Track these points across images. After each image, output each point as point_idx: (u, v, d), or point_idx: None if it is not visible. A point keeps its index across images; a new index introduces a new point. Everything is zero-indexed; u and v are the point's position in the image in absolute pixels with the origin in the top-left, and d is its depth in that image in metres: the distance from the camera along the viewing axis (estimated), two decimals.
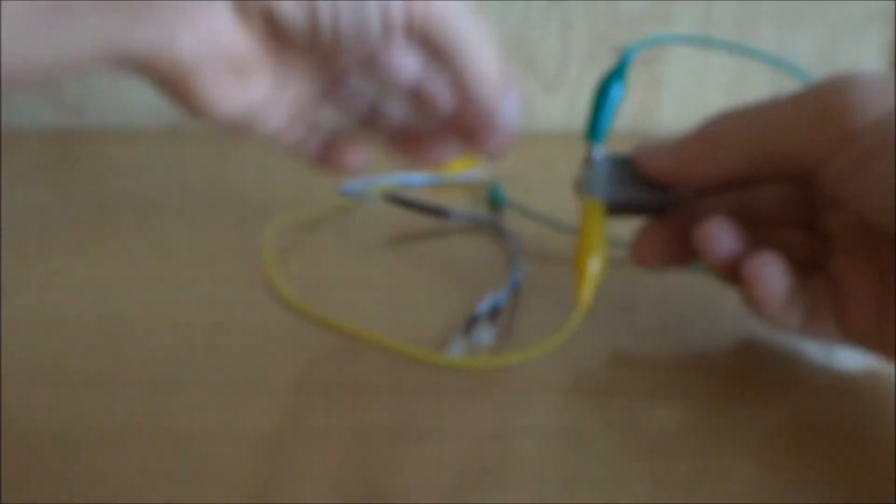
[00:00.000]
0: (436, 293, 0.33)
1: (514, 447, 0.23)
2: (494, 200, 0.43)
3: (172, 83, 0.22)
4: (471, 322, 0.29)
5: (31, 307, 0.32)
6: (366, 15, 0.22)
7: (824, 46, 0.60)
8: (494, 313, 0.30)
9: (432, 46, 0.24)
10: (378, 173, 0.45)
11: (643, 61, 0.60)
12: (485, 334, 0.28)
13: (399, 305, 0.32)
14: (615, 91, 0.28)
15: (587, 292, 0.27)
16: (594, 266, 0.27)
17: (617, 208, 0.28)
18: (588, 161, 0.28)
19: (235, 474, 0.22)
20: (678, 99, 0.60)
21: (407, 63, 0.27)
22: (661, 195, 0.28)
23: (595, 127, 0.28)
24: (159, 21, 0.21)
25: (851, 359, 0.28)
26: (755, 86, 0.60)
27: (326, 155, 0.29)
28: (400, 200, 0.40)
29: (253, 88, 0.24)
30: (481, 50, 0.24)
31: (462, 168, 0.48)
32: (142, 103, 0.61)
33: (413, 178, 0.46)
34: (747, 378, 0.27)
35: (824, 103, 0.23)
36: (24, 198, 0.45)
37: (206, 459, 0.23)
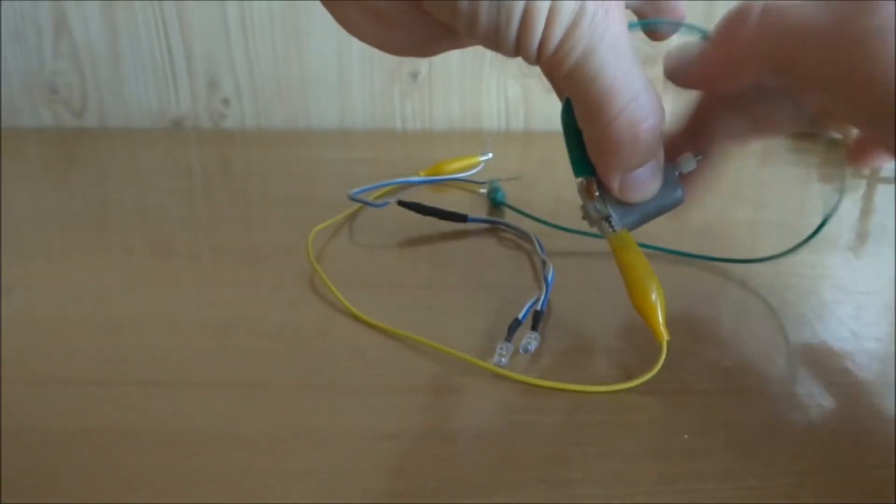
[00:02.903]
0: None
1: (515, 447, 0.23)
2: (494, 200, 0.43)
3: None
4: (512, 328, 0.29)
5: (31, 307, 0.32)
6: (504, 33, 0.21)
7: None
8: (535, 318, 0.29)
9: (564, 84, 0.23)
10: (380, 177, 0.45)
11: (644, 61, 0.60)
12: (531, 343, 0.28)
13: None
14: (573, 117, 0.25)
15: (662, 328, 0.26)
16: (657, 301, 0.26)
17: (639, 224, 0.27)
18: (590, 197, 0.26)
19: (235, 474, 0.22)
20: (678, 99, 0.60)
21: None
22: (673, 194, 0.26)
23: (573, 162, 0.26)
24: None
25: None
26: None
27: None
28: (415, 207, 0.39)
29: (387, 34, 0.24)
30: (611, 108, 0.23)
31: (462, 168, 0.48)
32: (142, 103, 0.61)
33: (413, 178, 0.47)
34: (747, 377, 0.27)
35: (853, 56, 0.21)
36: (25, 198, 0.45)
37: (207, 459, 0.23)
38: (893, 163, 0.47)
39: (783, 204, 0.44)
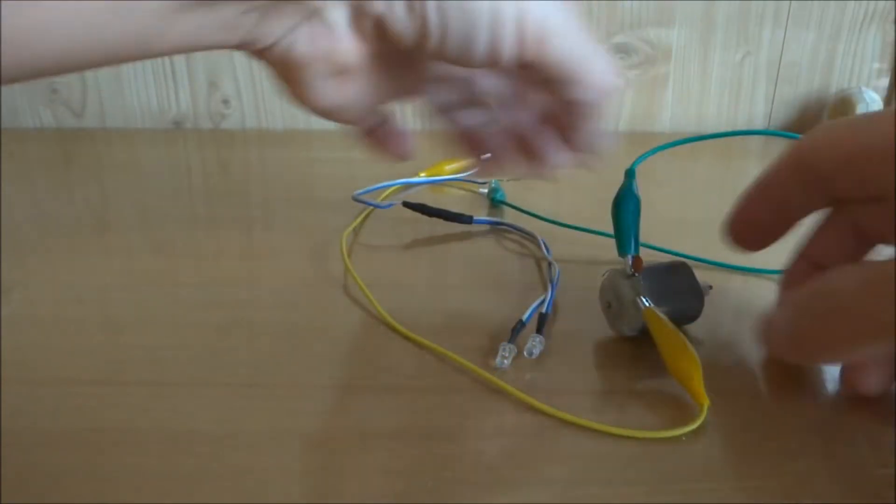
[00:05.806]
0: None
1: (515, 447, 0.23)
2: (494, 200, 0.43)
3: (282, 75, 0.25)
4: (516, 330, 0.29)
5: (31, 307, 0.32)
6: (474, 35, 0.23)
7: (824, 46, 0.60)
8: (540, 320, 0.29)
9: (543, 74, 0.25)
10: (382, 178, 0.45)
11: (644, 61, 0.61)
12: (536, 347, 0.28)
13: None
14: (629, 205, 0.29)
15: (702, 393, 0.25)
16: (695, 370, 0.25)
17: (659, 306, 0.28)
18: (629, 273, 0.28)
19: (235, 474, 0.22)
20: (678, 99, 0.60)
21: (489, 81, 0.29)
22: (693, 301, 0.29)
23: (623, 242, 0.29)
24: (285, 17, 0.23)
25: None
26: (755, 87, 0.60)
27: (378, 140, 0.31)
28: (421, 208, 0.39)
29: (348, 89, 0.25)
30: (593, 68, 0.25)
31: (462, 168, 0.48)
32: (141, 104, 0.61)
33: (414, 179, 0.47)
34: (747, 377, 0.27)
35: None
36: (25, 198, 0.45)
37: (207, 459, 0.23)
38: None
39: None
